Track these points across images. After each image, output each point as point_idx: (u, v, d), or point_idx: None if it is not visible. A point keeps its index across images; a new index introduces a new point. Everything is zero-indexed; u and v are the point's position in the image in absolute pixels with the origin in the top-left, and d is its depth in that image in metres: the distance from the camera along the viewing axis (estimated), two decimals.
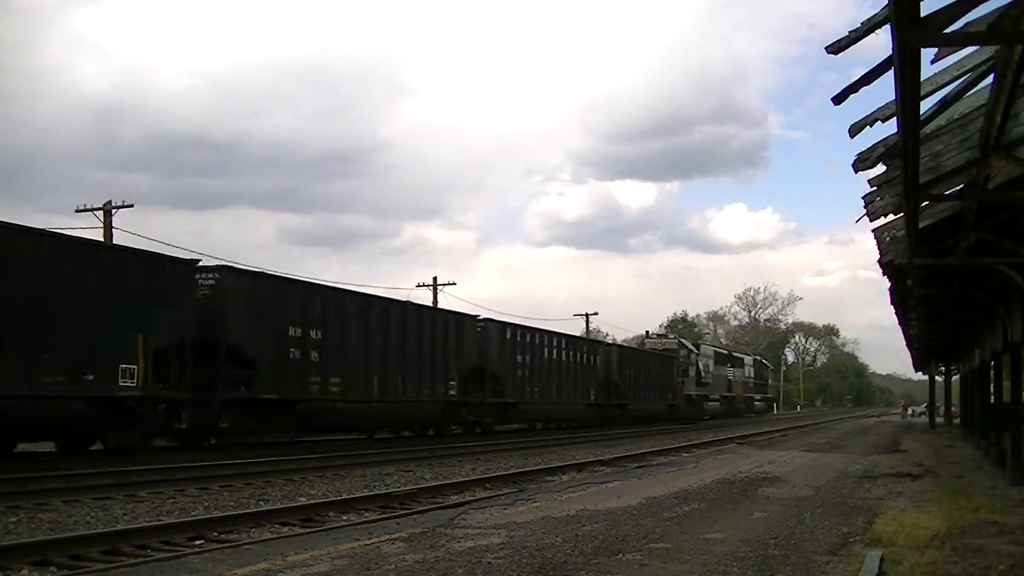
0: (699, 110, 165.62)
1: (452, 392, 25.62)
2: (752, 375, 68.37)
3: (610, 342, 42.32)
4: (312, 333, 20.07)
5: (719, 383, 56.82)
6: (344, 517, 10.19)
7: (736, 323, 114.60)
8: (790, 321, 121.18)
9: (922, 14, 4.16)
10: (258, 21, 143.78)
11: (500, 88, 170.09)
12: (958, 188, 9.31)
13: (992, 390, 21.97)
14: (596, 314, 63.29)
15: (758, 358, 76.68)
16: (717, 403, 55.32)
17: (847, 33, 5.38)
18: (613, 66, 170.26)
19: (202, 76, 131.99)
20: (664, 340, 51.59)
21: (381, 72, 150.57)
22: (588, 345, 38.14)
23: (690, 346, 52.22)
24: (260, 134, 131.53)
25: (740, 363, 64.94)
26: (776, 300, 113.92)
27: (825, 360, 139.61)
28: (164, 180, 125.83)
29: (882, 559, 6.87)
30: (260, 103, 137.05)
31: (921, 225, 9.85)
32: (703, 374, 52.12)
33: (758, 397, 70.25)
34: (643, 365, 42.82)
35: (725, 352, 64.30)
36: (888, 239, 11.64)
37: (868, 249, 12.56)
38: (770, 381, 79.12)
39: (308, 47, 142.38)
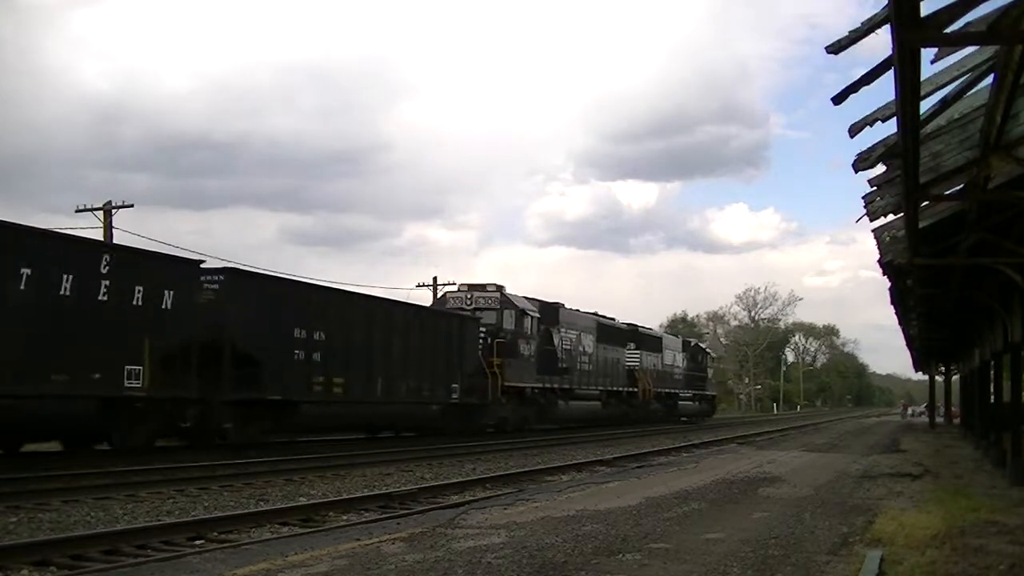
0: (701, 110, 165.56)
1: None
2: (680, 363, 46.87)
3: (245, 268, 20.66)
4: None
5: (604, 371, 35.35)
6: (344, 517, 10.18)
7: (736, 323, 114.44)
8: (790, 321, 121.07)
9: (922, 14, 4.16)
10: (260, 22, 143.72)
11: (502, 89, 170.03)
12: (958, 188, 9.31)
13: (992, 390, 21.97)
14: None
15: (693, 341, 54.48)
16: (595, 402, 34.25)
17: (847, 33, 5.39)
18: (616, 67, 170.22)
19: (203, 76, 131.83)
20: (479, 293, 28.80)
21: (383, 73, 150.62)
22: (140, 264, 15.95)
23: (526, 306, 29.28)
24: (262, 134, 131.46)
25: (655, 345, 43.08)
26: (776, 300, 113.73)
27: (825, 360, 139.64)
28: (165, 180, 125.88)
29: (882, 559, 6.87)
30: (262, 103, 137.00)
31: (921, 225, 9.85)
32: (562, 356, 31.23)
33: (688, 394, 47.76)
34: (367, 326, 21.29)
35: (623, 327, 39.90)
36: (888, 239, 11.64)
37: (869, 249, 12.58)
38: (711, 375, 55.08)
39: (310, 47, 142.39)
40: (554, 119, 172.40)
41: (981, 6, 4.85)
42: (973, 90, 7.13)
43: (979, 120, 7.61)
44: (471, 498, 11.75)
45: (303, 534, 8.71)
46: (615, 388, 36.62)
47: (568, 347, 32.13)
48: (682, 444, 25.51)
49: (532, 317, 29.42)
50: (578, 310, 34.99)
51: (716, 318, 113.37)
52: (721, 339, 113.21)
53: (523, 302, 29.62)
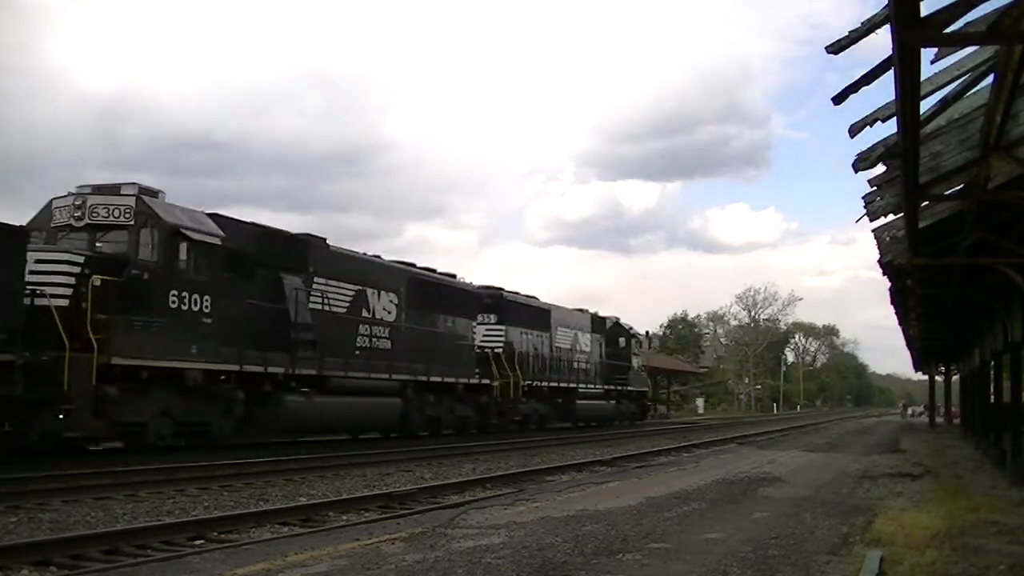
0: (702, 110, 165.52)
1: None
2: (585, 346, 34.20)
3: None
4: None
5: (419, 351, 22.90)
6: (344, 517, 10.18)
7: (736, 323, 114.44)
8: (790, 321, 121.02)
9: (922, 14, 4.16)
10: (266, 22, 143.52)
11: (504, 90, 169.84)
12: (958, 188, 9.31)
13: (992, 390, 21.98)
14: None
15: (613, 319, 38.88)
16: (390, 398, 21.74)
17: (847, 33, 5.39)
18: (618, 68, 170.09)
19: (205, 77, 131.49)
20: (101, 200, 15.25)
21: (385, 74, 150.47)
22: None
23: (187, 223, 16.01)
24: (263, 134, 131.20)
25: (538, 320, 30.81)
26: (776, 300, 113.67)
27: (825, 360, 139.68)
28: (167, 180, 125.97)
29: (882, 559, 6.87)
30: (263, 104, 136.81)
31: (921, 225, 9.85)
32: (304, 320, 18.91)
33: (596, 389, 34.74)
34: None
35: (470, 289, 27.75)
36: (888, 239, 11.65)
37: (869, 249, 12.60)
38: (637, 364, 40.58)
39: (313, 47, 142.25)
40: (556, 119, 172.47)
41: (981, 6, 4.85)
42: (973, 90, 7.13)
43: (979, 120, 7.61)
44: (471, 498, 11.74)
45: (303, 534, 8.70)
46: (442, 378, 23.48)
47: (325, 308, 19.60)
48: (682, 444, 25.52)
49: (200, 242, 16.11)
50: (374, 257, 22.71)
51: (716, 318, 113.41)
52: (721, 339, 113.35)
53: (186, 217, 16.27)
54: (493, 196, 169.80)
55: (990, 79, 6.40)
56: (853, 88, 5.64)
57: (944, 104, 7.13)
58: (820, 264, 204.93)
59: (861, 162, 8.04)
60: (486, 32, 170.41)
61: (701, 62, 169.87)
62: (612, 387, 36.69)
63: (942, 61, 6.64)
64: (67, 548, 7.55)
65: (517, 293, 30.84)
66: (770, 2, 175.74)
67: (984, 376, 23.61)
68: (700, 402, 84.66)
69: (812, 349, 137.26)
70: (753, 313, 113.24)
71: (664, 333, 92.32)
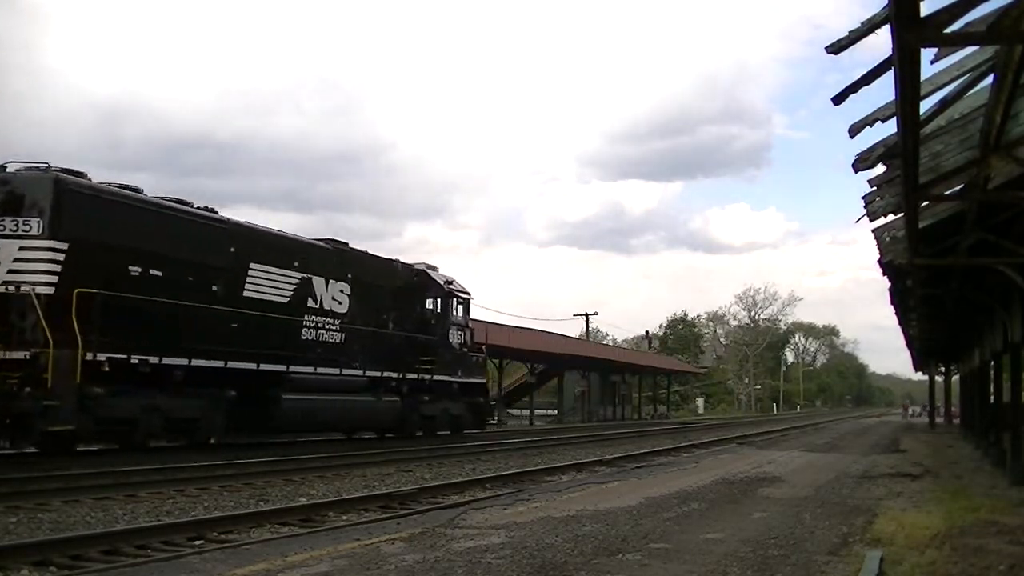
0: (704, 111, 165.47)
1: None
2: (340, 306, 20.15)
3: None
4: None
5: None
6: (344, 517, 10.17)
7: (736, 323, 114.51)
8: (790, 321, 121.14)
9: (922, 14, 4.16)
10: (268, 23, 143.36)
11: (505, 90, 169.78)
12: (958, 188, 9.31)
13: (992, 390, 21.98)
14: (596, 314, 56.95)
15: (421, 267, 24.06)
16: None
17: (847, 33, 5.39)
18: (619, 69, 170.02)
19: (206, 77, 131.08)
20: None
21: (388, 75, 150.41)
22: None
23: None
24: (264, 135, 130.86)
25: (201, 246, 16.31)
26: (776, 300, 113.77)
27: (825, 360, 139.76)
28: (168, 180, 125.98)
29: (882, 559, 6.87)
30: (265, 104, 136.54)
31: (921, 225, 9.85)
32: None
33: (356, 374, 20.66)
34: None
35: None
36: (888, 239, 11.65)
37: (869, 249, 12.61)
38: (463, 342, 24.99)
39: (317, 47, 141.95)
40: (557, 120, 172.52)
41: (981, 6, 4.85)
42: (973, 90, 7.13)
43: (979, 120, 7.61)
44: (471, 498, 11.73)
45: (303, 534, 8.69)
46: None
47: None
48: (682, 444, 25.54)
49: None
50: None
51: (716, 318, 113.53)
52: (721, 339, 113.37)
53: None
54: (494, 196, 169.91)
55: (990, 79, 6.40)
56: (853, 88, 5.64)
57: (944, 104, 7.13)
58: (820, 264, 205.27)
59: (861, 162, 8.04)
60: (486, 33, 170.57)
61: (702, 63, 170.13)
62: (398, 374, 22.41)
63: (942, 61, 6.64)
64: (67, 548, 7.54)
65: (135, 189, 16.04)
66: (772, 2, 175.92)
67: (984, 376, 23.62)
68: (700, 402, 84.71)
69: (812, 349, 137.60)
70: (753, 313, 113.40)
71: (664, 333, 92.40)
